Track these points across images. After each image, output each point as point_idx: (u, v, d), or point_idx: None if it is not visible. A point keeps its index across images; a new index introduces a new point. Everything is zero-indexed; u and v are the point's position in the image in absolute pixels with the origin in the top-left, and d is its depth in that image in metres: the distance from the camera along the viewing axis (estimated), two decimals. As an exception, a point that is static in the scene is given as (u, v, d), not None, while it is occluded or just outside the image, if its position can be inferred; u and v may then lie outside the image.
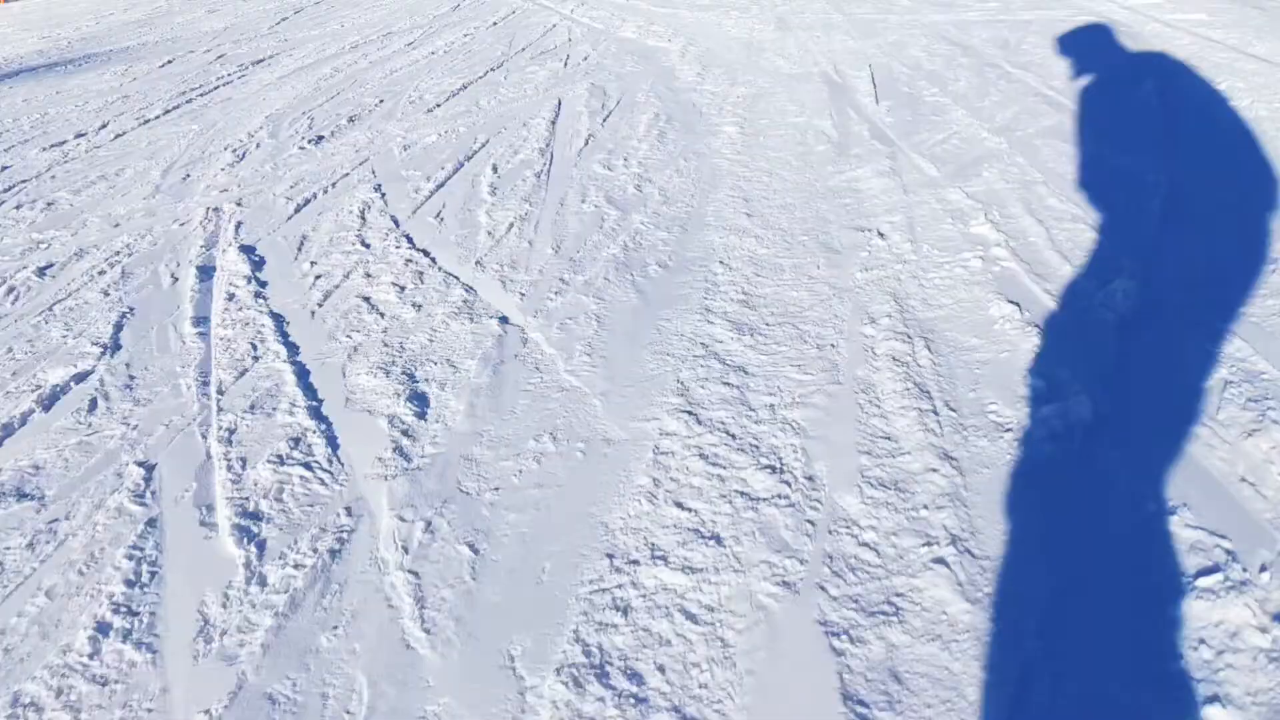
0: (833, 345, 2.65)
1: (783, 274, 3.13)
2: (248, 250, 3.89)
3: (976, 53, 5.58)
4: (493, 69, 6.79)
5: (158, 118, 6.41)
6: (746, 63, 6.12)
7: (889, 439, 2.20)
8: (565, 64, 6.68)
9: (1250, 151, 3.67)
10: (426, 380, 2.72)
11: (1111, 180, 3.53)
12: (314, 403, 2.66)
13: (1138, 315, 2.60)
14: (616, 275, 3.26)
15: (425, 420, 2.52)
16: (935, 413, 2.27)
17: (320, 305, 3.29)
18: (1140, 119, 4.11)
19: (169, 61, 8.41)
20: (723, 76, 5.85)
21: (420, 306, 3.20)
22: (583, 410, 2.50)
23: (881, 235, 3.31)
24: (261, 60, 8.06)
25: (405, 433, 2.47)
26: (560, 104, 5.65)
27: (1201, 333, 2.46)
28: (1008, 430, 2.18)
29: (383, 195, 4.39)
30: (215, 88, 7.20)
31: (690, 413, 2.41)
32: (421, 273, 3.48)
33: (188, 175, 5.03)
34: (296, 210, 4.30)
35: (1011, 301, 2.72)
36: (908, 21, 6.64)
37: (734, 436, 2.29)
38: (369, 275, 3.50)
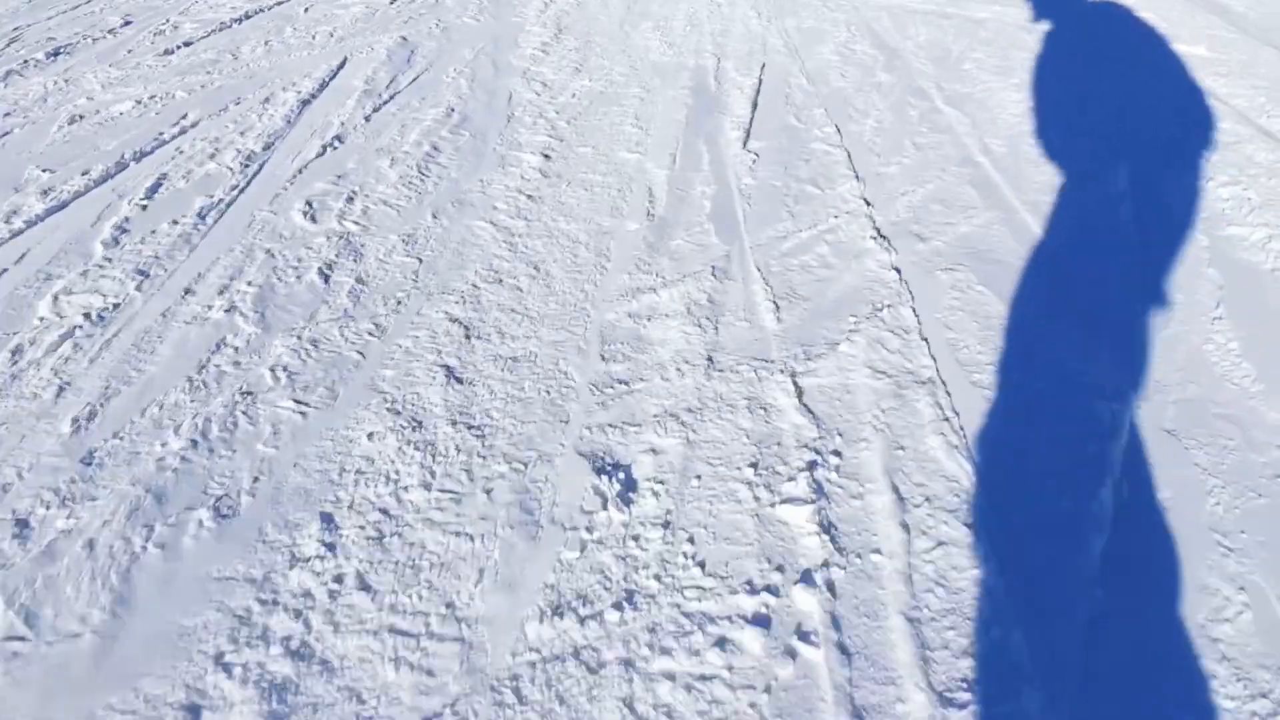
0: None
1: (391, 629, 1.49)
2: None
3: (904, 66, 3.81)
4: (302, -8, 4.82)
5: None
6: (613, 36, 4.26)
7: None
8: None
9: (1266, 360, 2.07)
10: None
11: (1044, 408, 1.93)
12: None
13: None
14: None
15: None
16: None
17: None
18: (1103, 252, 2.48)
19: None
20: (572, 55, 4.01)
21: None
22: None
23: (622, 502, 1.67)
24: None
25: None
26: (343, 66, 3.79)
27: None
28: None
29: (-51, 222, 2.59)
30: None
31: None
32: None
33: None
34: None
35: None
36: (835, -2, 4.78)
37: None
38: None
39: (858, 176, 2.90)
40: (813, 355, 2.08)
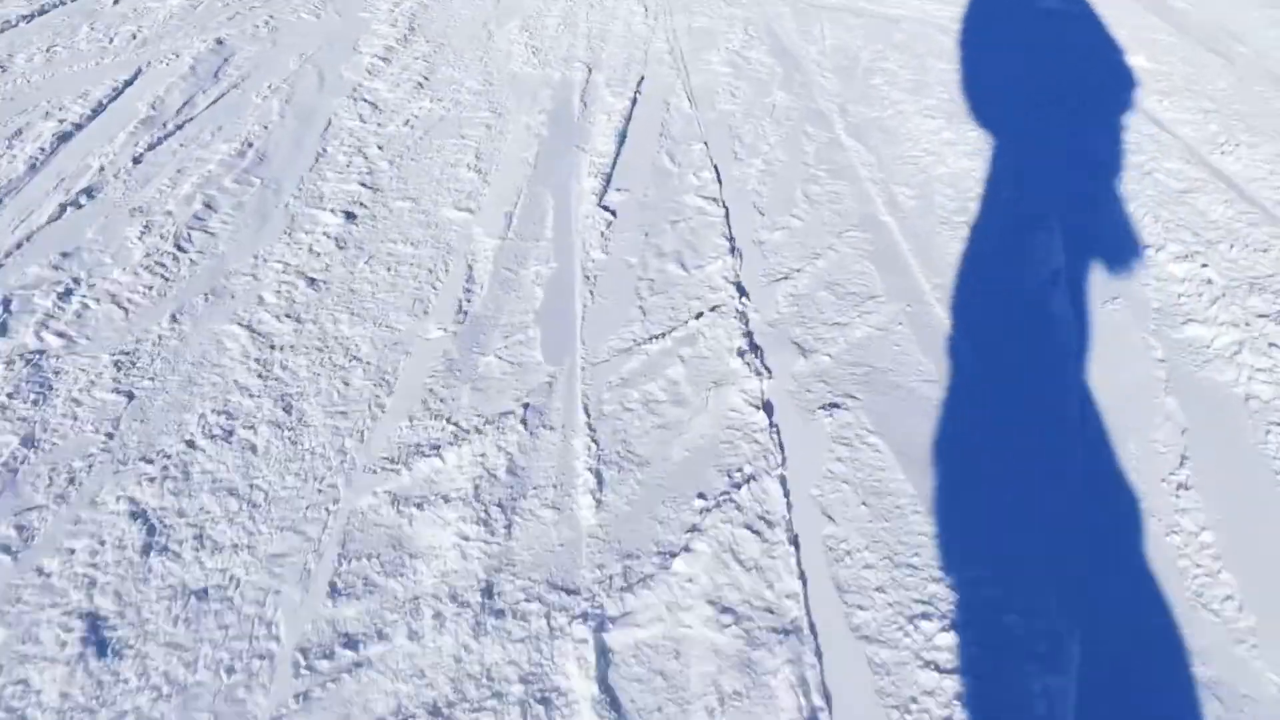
0: None
1: None
2: None
3: (804, 81, 3.00)
4: (118, -22, 3.79)
5: None
6: (473, 37, 3.36)
7: None
8: (229, -14, 3.75)
9: (1252, 568, 1.38)
10: None
11: (948, 680, 1.21)
12: None
13: None
14: None
15: None
16: None
17: None
18: (1032, 373, 1.78)
19: None
20: (418, 65, 3.12)
21: None
22: None
23: None
24: None
25: None
26: (133, 82, 2.87)
27: None
28: None
29: None
30: None
31: None
32: None
33: None
34: None
35: None
36: (737, -12, 3.91)
37: None
38: None
39: (734, 249, 2.13)
40: (635, 579, 1.33)
